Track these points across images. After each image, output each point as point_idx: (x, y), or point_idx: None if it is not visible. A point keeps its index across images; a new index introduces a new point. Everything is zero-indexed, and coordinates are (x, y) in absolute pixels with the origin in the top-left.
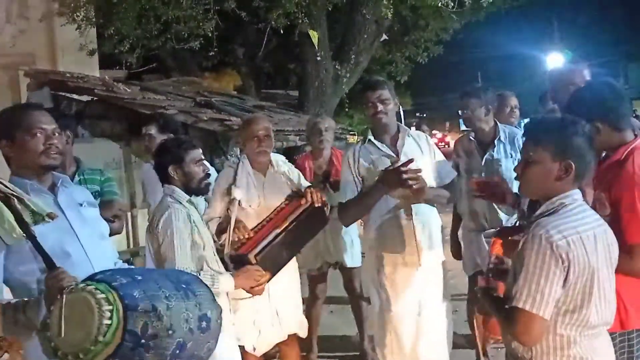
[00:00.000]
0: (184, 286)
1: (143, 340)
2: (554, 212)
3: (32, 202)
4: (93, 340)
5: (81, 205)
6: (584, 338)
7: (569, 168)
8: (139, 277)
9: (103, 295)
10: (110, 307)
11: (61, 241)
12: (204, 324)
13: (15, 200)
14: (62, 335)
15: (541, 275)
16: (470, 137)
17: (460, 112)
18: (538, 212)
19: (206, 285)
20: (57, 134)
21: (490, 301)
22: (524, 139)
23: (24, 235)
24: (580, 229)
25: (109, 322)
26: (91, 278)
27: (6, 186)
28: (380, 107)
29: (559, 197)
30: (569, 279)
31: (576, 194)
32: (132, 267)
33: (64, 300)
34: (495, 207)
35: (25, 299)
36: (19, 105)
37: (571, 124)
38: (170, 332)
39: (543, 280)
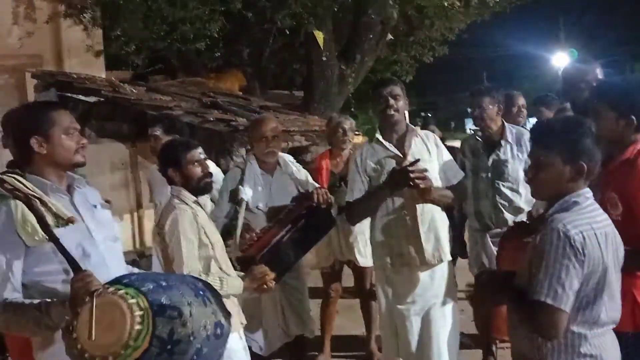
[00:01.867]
0: (201, 293)
1: (169, 346)
2: (567, 209)
3: (54, 205)
4: (124, 344)
5: (95, 207)
6: (593, 336)
7: (582, 169)
8: (164, 283)
9: (134, 300)
10: (142, 313)
11: (80, 243)
12: (218, 330)
13: (38, 201)
14: (93, 338)
15: (561, 269)
16: (477, 137)
17: (471, 110)
18: (552, 210)
19: (217, 291)
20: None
21: (505, 292)
22: (532, 143)
23: (47, 237)
24: (594, 225)
25: (139, 327)
26: (118, 281)
27: (26, 186)
28: (392, 101)
29: (572, 195)
30: (584, 274)
31: (587, 192)
32: (152, 272)
33: (94, 303)
34: (501, 207)
35: (48, 300)
36: (47, 103)
37: (578, 125)
38: (191, 338)
39: (563, 274)
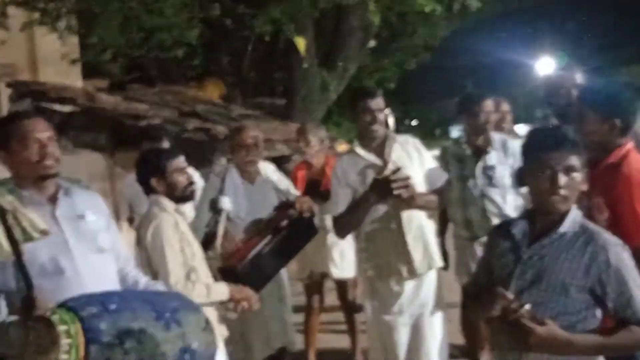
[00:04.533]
0: (167, 315)
1: None
2: (585, 222)
3: (26, 218)
4: None
5: (82, 216)
6: None
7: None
8: (113, 307)
9: (65, 327)
10: (69, 341)
11: (55, 256)
12: (187, 356)
13: (10, 215)
14: None
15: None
16: (463, 143)
17: (469, 115)
18: (569, 223)
19: (198, 310)
20: (52, 142)
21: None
22: (559, 150)
23: (13, 252)
24: None
25: (65, 356)
26: (64, 304)
27: (5, 198)
28: (378, 116)
29: (575, 206)
30: None
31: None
32: (116, 291)
33: (29, 327)
34: (490, 215)
35: (9, 319)
36: (13, 114)
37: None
38: None
39: None
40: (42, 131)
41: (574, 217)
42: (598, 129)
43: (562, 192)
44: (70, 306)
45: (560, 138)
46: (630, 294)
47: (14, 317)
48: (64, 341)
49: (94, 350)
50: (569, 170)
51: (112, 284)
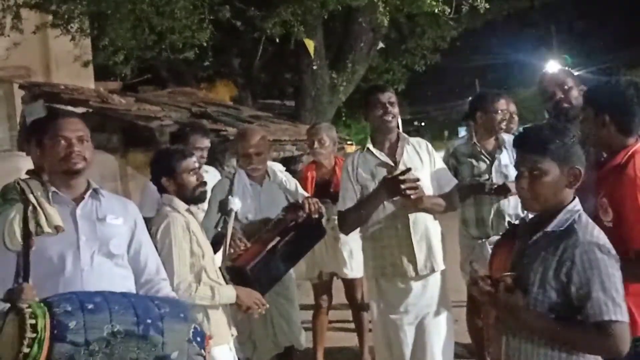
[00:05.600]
0: (149, 321)
1: None
2: (578, 220)
3: (46, 212)
4: None
5: (102, 219)
6: None
7: (578, 174)
8: (90, 306)
9: (32, 321)
10: (34, 336)
11: (62, 254)
12: None
13: (31, 208)
14: None
15: (616, 283)
16: (476, 142)
17: (484, 115)
18: (556, 222)
19: (186, 320)
20: (82, 142)
21: (538, 321)
22: (522, 150)
23: (22, 244)
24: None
25: (27, 350)
26: (45, 299)
27: (32, 192)
28: (390, 108)
29: (570, 207)
30: None
31: (578, 202)
32: (102, 292)
33: (7, 317)
34: (503, 213)
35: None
36: (52, 114)
37: (566, 130)
38: None
39: (619, 286)
40: (73, 130)
41: (563, 218)
42: (592, 126)
43: (522, 192)
44: (48, 301)
45: (525, 139)
46: (591, 295)
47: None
48: (29, 335)
49: (57, 347)
50: (531, 170)
51: (115, 290)
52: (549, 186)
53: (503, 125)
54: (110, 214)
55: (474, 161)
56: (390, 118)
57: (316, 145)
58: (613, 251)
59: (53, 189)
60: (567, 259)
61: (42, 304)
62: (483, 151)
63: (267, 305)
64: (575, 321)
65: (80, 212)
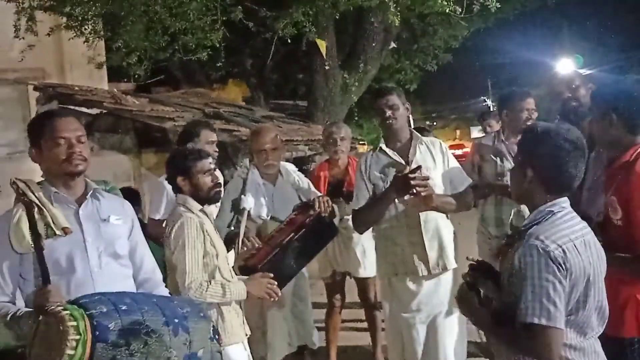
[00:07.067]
0: (176, 320)
1: None
2: (543, 221)
3: (51, 214)
4: None
5: (105, 220)
6: (582, 344)
7: (527, 174)
8: (124, 307)
9: (74, 323)
10: (77, 337)
11: (70, 255)
12: None
13: (36, 209)
14: (31, 355)
15: (548, 287)
16: (503, 140)
17: (511, 113)
18: (526, 221)
19: (207, 318)
20: (82, 142)
21: (484, 319)
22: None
23: (32, 246)
24: (572, 236)
25: (71, 352)
26: (76, 301)
27: (34, 193)
28: (388, 112)
29: (547, 205)
30: (568, 288)
31: (564, 202)
32: (128, 292)
33: (40, 320)
34: (524, 213)
35: (20, 309)
36: (47, 113)
37: (542, 132)
38: None
39: (551, 291)
40: (72, 130)
41: (532, 217)
42: (600, 125)
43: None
44: (82, 303)
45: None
46: (521, 297)
47: (26, 310)
48: (72, 337)
49: (100, 348)
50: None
51: (122, 289)
52: (513, 180)
53: (528, 124)
54: (113, 215)
55: (498, 160)
56: (389, 122)
57: (339, 143)
58: (560, 260)
59: (54, 189)
60: (513, 260)
61: (77, 306)
62: (510, 151)
63: (280, 293)
64: (513, 323)
65: (84, 213)
